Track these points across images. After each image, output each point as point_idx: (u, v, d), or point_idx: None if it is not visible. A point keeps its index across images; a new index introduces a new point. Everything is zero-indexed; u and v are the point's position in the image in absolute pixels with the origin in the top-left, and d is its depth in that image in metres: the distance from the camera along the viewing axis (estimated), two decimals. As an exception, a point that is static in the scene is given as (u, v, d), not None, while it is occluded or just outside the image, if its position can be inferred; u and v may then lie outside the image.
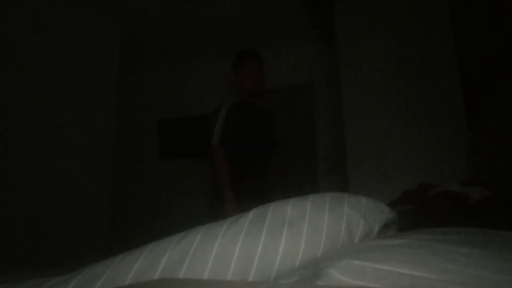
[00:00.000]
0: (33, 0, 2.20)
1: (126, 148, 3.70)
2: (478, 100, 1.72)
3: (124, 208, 3.57)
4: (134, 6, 2.77)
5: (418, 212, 0.89)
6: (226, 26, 3.10)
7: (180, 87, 3.78)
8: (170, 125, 3.64)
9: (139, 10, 2.83)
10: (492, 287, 0.32)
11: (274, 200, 0.56)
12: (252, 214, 0.51)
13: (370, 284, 0.32)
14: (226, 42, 3.35)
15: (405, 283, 0.31)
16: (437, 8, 2.16)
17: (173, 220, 3.34)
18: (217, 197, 1.90)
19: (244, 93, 2.14)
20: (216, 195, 1.93)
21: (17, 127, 2.05)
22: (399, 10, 2.23)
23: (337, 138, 2.80)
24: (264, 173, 2.10)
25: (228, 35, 3.23)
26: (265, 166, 2.13)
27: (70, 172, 2.36)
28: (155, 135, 3.71)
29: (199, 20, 2.99)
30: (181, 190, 3.50)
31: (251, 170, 2.01)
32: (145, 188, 3.65)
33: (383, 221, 0.60)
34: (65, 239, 2.24)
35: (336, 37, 2.42)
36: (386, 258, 0.37)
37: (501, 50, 1.39)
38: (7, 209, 1.92)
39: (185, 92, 3.73)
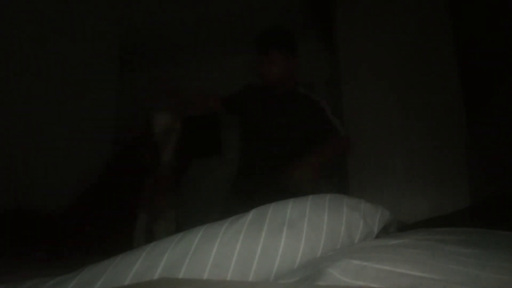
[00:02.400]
0: (33, 0, 2.20)
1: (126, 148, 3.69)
2: (478, 100, 1.72)
3: (124, 208, 3.57)
4: (134, 6, 2.77)
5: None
6: (226, 25, 3.10)
7: (180, 87, 3.77)
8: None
9: (139, 10, 2.83)
10: (492, 287, 0.32)
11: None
12: (252, 214, 0.51)
13: (370, 284, 0.32)
14: (226, 42, 3.36)
15: (405, 283, 0.31)
16: (437, 8, 2.16)
17: (173, 220, 3.34)
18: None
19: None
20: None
21: (15, 127, 2.05)
22: (399, 10, 2.24)
23: (337, 138, 2.80)
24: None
25: (228, 34, 3.23)
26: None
27: (70, 172, 2.36)
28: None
29: (199, 19, 2.99)
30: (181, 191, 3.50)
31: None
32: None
33: (382, 223, 0.60)
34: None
35: (336, 38, 2.42)
36: (386, 258, 0.37)
37: (501, 50, 1.39)
38: (7, 209, 1.92)
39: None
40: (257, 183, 1.67)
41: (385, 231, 0.65)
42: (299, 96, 1.73)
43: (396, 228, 0.70)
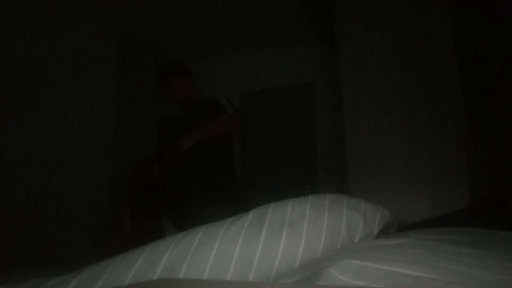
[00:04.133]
0: (33, 0, 2.20)
1: (126, 148, 3.69)
2: (478, 100, 1.72)
3: (124, 208, 3.56)
4: (134, 6, 2.77)
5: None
6: (226, 26, 3.10)
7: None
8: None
9: (139, 10, 2.83)
10: (492, 287, 0.32)
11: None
12: (252, 214, 0.51)
13: (370, 284, 0.32)
14: (226, 42, 3.36)
15: (405, 283, 0.31)
16: (437, 8, 2.16)
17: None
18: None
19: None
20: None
21: (17, 127, 2.05)
22: (399, 10, 2.24)
23: (337, 138, 2.80)
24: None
25: (228, 35, 3.23)
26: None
27: (70, 172, 2.36)
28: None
29: (199, 20, 2.99)
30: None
31: None
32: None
33: (382, 223, 0.60)
34: (65, 239, 2.24)
35: (336, 37, 2.42)
36: (386, 258, 0.37)
37: (501, 50, 1.39)
38: (7, 209, 1.92)
39: (185, 92, 3.73)
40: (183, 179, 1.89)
41: (385, 231, 0.65)
42: (203, 100, 2.02)
43: (396, 228, 0.70)
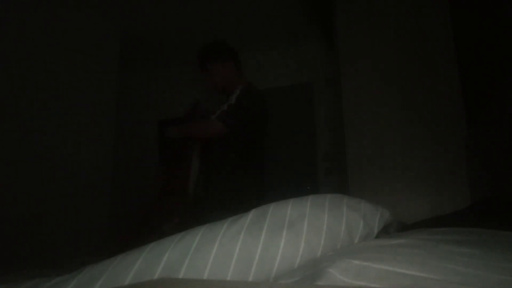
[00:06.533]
0: (33, 0, 2.20)
1: (126, 148, 3.69)
2: (478, 100, 1.72)
3: (124, 208, 3.57)
4: (134, 6, 2.77)
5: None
6: (226, 26, 3.10)
7: (180, 87, 3.78)
8: (170, 125, 3.63)
9: (139, 10, 2.83)
10: (492, 287, 0.32)
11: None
12: (252, 214, 0.51)
13: (370, 284, 0.32)
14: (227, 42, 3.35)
15: (405, 283, 0.31)
16: (437, 8, 2.16)
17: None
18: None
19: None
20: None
21: (17, 128, 2.05)
22: (399, 10, 2.24)
23: (337, 138, 2.80)
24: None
25: (228, 35, 3.23)
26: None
27: (70, 172, 2.36)
28: (155, 135, 3.71)
29: (199, 20, 2.99)
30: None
31: None
32: (145, 189, 3.64)
33: (382, 223, 0.60)
34: (65, 239, 2.24)
35: (336, 37, 2.42)
36: (386, 258, 0.37)
37: (501, 50, 1.39)
38: (7, 209, 1.92)
39: (185, 92, 3.73)
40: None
41: (385, 231, 0.65)
42: (234, 94, 1.87)
43: (396, 228, 0.70)
